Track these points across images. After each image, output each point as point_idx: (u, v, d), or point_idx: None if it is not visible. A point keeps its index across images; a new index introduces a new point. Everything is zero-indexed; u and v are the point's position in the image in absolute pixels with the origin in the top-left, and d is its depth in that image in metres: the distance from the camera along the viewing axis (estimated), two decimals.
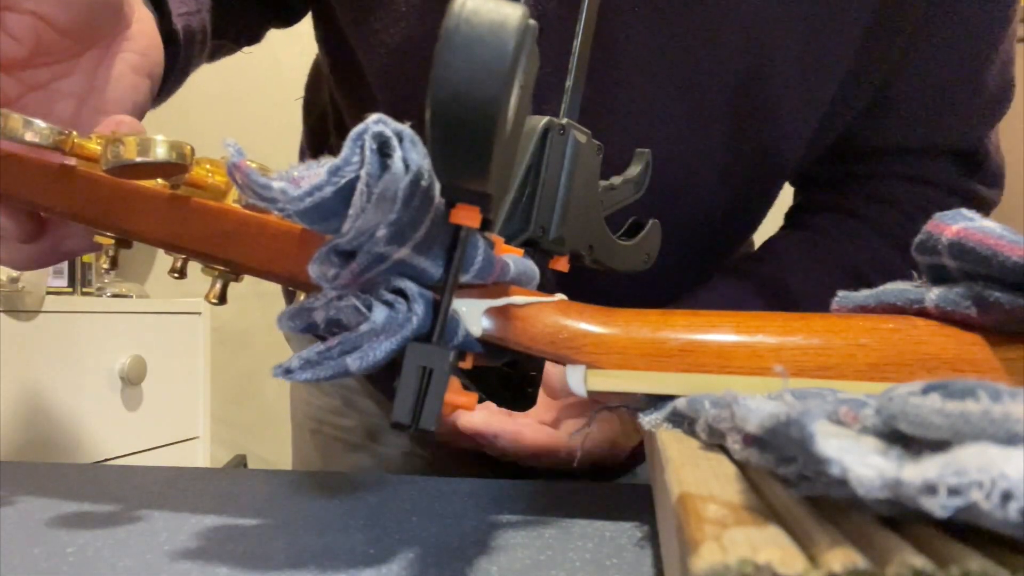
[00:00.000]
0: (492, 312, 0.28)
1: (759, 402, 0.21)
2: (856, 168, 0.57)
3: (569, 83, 0.35)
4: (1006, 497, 0.12)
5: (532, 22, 0.21)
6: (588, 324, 0.29)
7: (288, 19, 0.61)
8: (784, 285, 0.51)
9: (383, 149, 0.22)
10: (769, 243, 0.57)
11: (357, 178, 0.22)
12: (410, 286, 0.25)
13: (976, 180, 0.55)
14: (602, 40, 0.43)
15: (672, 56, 0.47)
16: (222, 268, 0.32)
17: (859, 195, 0.56)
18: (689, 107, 0.49)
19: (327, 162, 0.23)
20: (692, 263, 0.54)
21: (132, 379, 1.35)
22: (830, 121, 0.52)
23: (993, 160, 0.55)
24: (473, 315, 0.27)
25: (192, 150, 0.29)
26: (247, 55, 0.63)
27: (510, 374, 0.34)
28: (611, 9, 0.43)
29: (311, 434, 0.70)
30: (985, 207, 0.56)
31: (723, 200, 0.53)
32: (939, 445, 0.14)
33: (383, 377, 0.60)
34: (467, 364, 0.28)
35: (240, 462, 1.68)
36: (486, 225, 0.24)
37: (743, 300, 0.51)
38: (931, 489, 0.13)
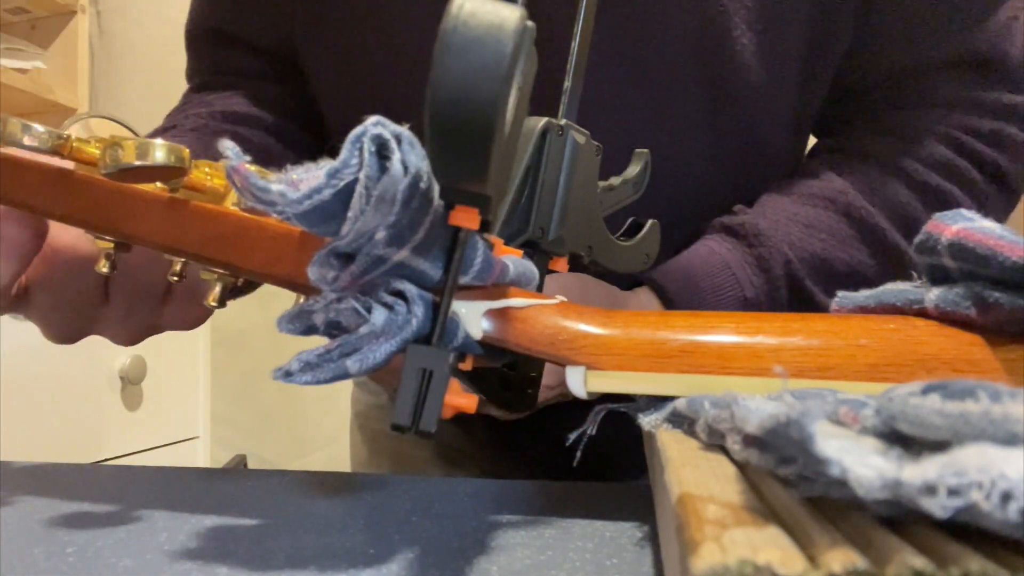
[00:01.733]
0: (492, 314, 0.28)
1: (759, 403, 0.21)
2: (853, 109, 0.55)
3: (567, 84, 0.35)
4: (1006, 497, 0.12)
5: (530, 23, 0.21)
6: (587, 325, 0.29)
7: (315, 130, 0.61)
8: (756, 229, 0.49)
9: (382, 151, 0.22)
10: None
11: (356, 180, 0.22)
12: (410, 288, 0.25)
13: (992, 88, 0.51)
14: (548, 34, 0.43)
15: (625, 39, 0.46)
16: (221, 271, 0.32)
17: (855, 135, 0.54)
18: (653, 91, 0.48)
19: (326, 164, 0.23)
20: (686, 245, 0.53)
21: (132, 379, 1.35)
22: (814, 71, 0.50)
23: (1014, 60, 0.50)
24: (473, 317, 0.27)
25: (190, 153, 0.29)
26: None
27: (510, 375, 0.34)
28: (553, 3, 0.43)
29: (359, 430, 0.70)
30: (1009, 116, 0.51)
31: (715, 182, 0.51)
32: (939, 445, 0.14)
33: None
34: (467, 366, 0.28)
35: (240, 462, 1.67)
36: (485, 227, 0.24)
37: (720, 252, 0.49)
38: (931, 489, 0.13)
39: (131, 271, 0.37)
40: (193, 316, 0.40)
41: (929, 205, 0.50)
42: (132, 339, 0.40)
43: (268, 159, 0.56)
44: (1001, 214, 0.53)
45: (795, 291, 0.48)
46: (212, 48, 0.61)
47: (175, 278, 0.33)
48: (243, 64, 0.60)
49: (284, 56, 0.58)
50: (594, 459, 0.37)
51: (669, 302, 0.46)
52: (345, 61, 0.53)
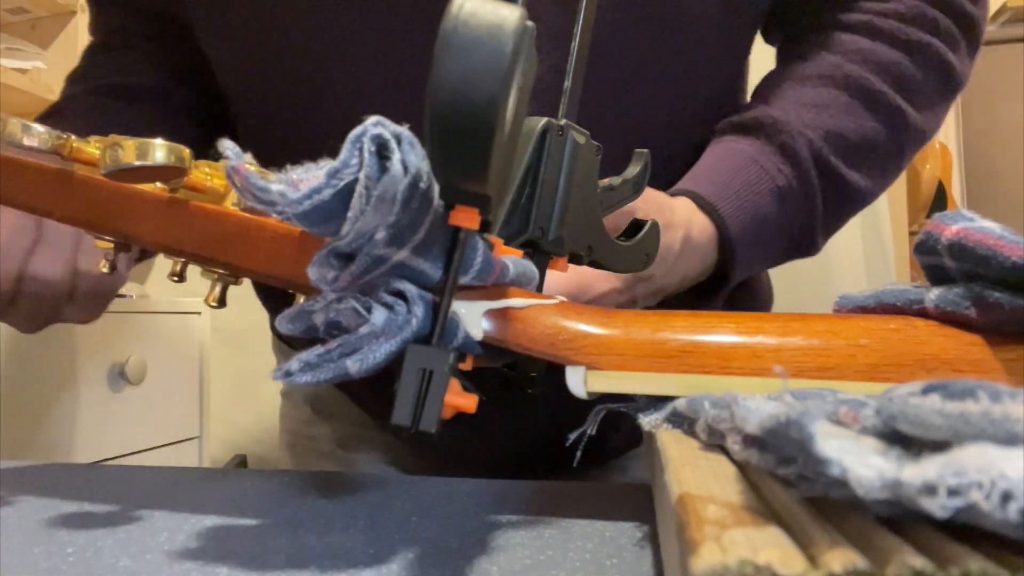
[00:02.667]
0: (492, 314, 0.28)
1: (759, 403, 0.21)
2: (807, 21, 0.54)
3: (567, 84, 0.35)
4: (1006, 497, 0.12)
5: (530, 23, 0.21)
6: (587, 325, 0.29)
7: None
8: (770, 119, 0.49)
9: (382, 151, 0.22)
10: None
11: (356, 180, 0.22)
12: (410, 288, 0.25)
13: None
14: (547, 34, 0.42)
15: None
16: (221, 271, 0.32)
17: (825, 18, 0.53)
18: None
19: (326, 164, 0.23)
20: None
21: (132, 379, 1.35)
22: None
23: None
24: (473, 317, 0.27)
25: (191, 153, 0.29)
26: None
27: (510, 375, 0.34)
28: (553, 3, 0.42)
29: (288, 448, 0.70)
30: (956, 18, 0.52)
31: (665, 131, 0.50)
32: (939, 445, 0.14)
33: (355, 384, 0.60)
34: (467, 365, 0.28)
35: (240, 462, 1.67)
36: (485, 227, 0.24)
37: (742, 148, 0.49)
38: (931, 489, 0.13)
39: (38, 277, 0.45)
40: (91, 314, 0.49)
41: (917, 62, 0.51)
42: (33, 330, 0.49)
43: (159, 128, 0.56)
44: (968, 60, 0.54)
45: (824, 171, 0.48)
46: (104, 7, 0.61)
47: (175, 278, 0.33)
48: (132, 24, 0.60)
49: (170, 18, 0.57)
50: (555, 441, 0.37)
51: (711, 208, 0.46)
52: (235, 23, 0.52)
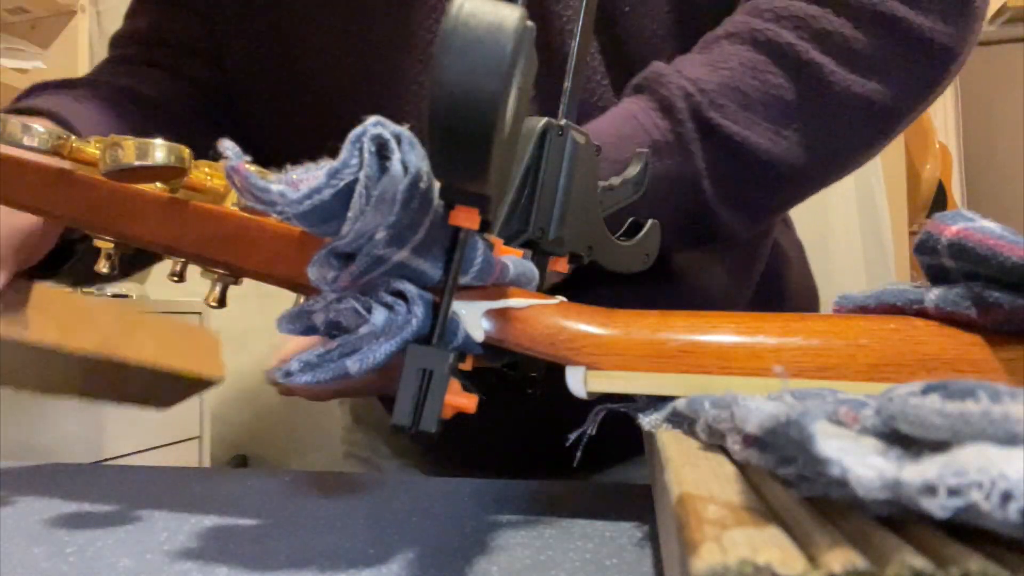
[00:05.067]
0: (492, 314, 0.28)
1: (759, 403, 0.21)
2: None
3: (567, 84, 0.35)
4: (1006, 497, 0.12)
5: (530, 23, 0.21)
6: (588, 325, 0.29)
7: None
8: (656, 75, 0.46)
9: (382, 151, 0.22)
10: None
11: (356, 180, 0.22)
12: (410, 288, 0.25)
13: None
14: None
15: None
16: (221, 271, 0.32)
17: None
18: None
19: (326, 164, 0.23)
20: None
21: None
22: None
23: None
24: (473, 317, 0.27)
25: (191, 153, 0.29)
26: None
27: (510, 375, 0.34)
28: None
29: (344, 458, 0.72)
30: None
31: None
32: (939, 445, 0.14)
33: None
34: (467, 365, 0.28)
35: (240, 462, 1.67)
36: (485, 227, 0.24)
37: (626, 105, 0.46)
38: (931, 489, 0.13)
39: None
40: None
41: (851, 18, 0.45)
42: None
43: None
44: (948, 24, 0.46)
45: (702, 125, 0.44)
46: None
47: (175, 278, 0.33)
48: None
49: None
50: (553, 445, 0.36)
51: None
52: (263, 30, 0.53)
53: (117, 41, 0.62)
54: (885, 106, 0.46)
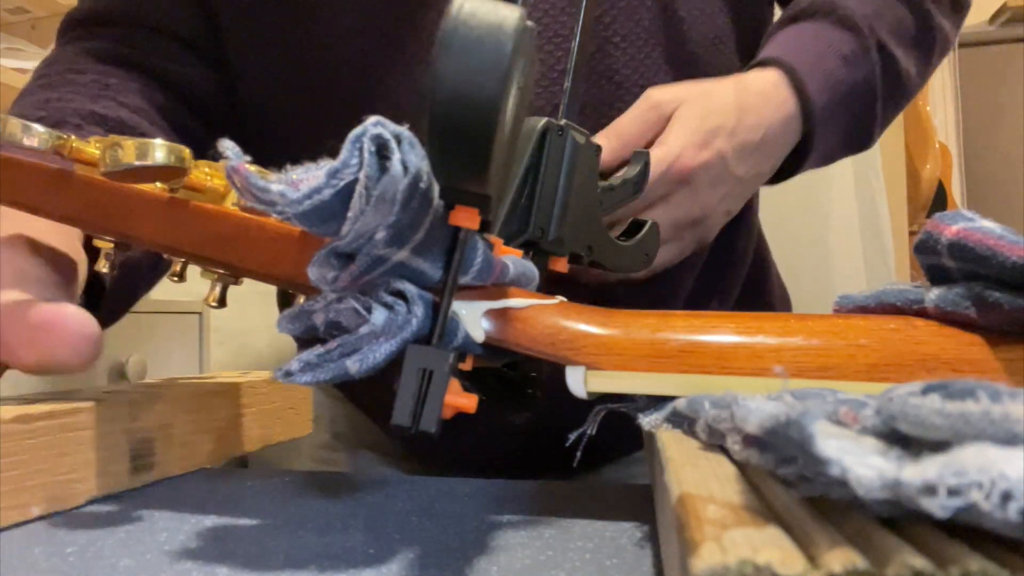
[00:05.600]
0: (492, 314, 0.28)
1: (759, 403, 0.21)
2: None
3: (567, 84, 0.35)
4: (1006, 497, 0.12)
5: (530, 23, 0.21)
6: (587, 325, 0.29)
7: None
8: (828, 3, 0.52)
9: (382, 151, 0.22)
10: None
11: (356, 180, 0.22)
12: (410, 288, 0.25)
13: None
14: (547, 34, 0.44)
15: None
16: (221, 271, 0.32)
17: None
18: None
19: (326, 164, 0.23)
20: None
21: (132, 378, 1.35)
22: None
23: None
24: (473, 317, 0.27)
25: (191, 153, 0.29)
26: None
27: (510, 375, 0.34)
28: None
29: (311, 463, 0.72)
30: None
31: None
32: (939, 445, 0.14)
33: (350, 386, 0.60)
34: (467, 366, 0.28)
35: (240, 462, 1.67)
36: (485, 227, 0.25)
37: (802, 27, 0.51)
38: (931, 489, 0.13)
39: None
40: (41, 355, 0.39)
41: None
42: None
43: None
44: (949, 17, 0.57)
45: (877, 40, 0.51)
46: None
47: (175, 278, 0.33)
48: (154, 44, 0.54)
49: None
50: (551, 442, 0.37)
51: (797, 79, 0.48)
52: (268, 31, 0.52)
53: (73, 23, 0.54)
54: (945, 50, 0.57)
